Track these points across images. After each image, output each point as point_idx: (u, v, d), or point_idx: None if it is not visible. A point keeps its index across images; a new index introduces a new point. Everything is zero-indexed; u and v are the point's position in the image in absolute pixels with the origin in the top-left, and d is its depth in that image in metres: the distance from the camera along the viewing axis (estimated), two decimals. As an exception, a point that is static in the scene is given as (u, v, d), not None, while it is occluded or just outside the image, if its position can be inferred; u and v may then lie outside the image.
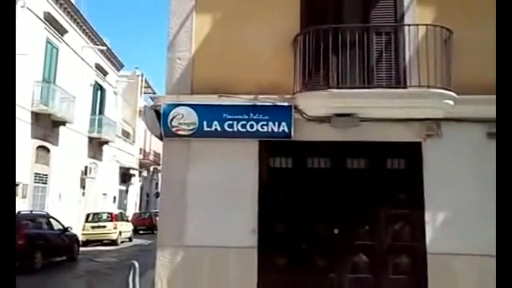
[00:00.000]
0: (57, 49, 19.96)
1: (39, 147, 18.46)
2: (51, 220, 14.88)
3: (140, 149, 34.13)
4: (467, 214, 6.76)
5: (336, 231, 6.99)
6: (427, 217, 6.89)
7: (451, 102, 6.63)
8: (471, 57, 6.89)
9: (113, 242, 20.65)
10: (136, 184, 33.34)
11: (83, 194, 23.12)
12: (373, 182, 7.13)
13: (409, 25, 6.96)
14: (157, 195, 35.73)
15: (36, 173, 18.32)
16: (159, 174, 32.36)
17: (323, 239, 7.03)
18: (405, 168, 7.19)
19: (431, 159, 6.99)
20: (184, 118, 6.96)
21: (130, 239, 22.95)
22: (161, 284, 6.86)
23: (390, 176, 7.15)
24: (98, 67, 25.04)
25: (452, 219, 6.81)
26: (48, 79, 18.99)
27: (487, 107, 6.22)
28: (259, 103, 6.91)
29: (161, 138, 7.33)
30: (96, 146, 24.65)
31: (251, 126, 6.93)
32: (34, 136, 17.94)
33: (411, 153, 7.08)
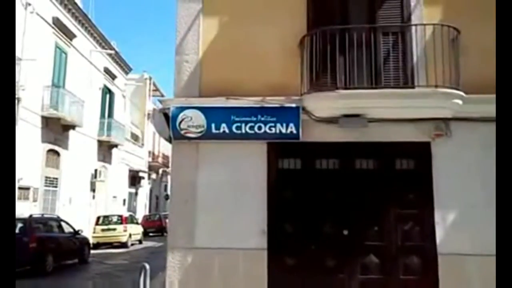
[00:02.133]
0: (66, 54, 20.16)
1: (49, 151, 18.66)
2: (62, 223, 15.05)
3: (149, 152, 34.28)
4: (477, 214, 6.72)
5: (345, 232, 6.99)
6: (437, 217, 6.85)
7: (459, 102, 6.60)
8: (479, 56, 6.85)
9: (123, 245, 20.80)
10: (145, 186, 33.50)
11: (93, 197, 23.28)
12: (382, 183, 7.11)
13: (416, 25, 6.96)
14: (166, 197, 35.87)
15: (47, 177, 18.53)
16: (168, 177, 32.50)
17: (332, 240, 7.02)
18: (414, 168, 7.15)
19: (440, 158, 6.96)
20: (193, 121, 7.00)
21: (140, 242, 23.10)
22: (172, 286, 6.90)
23: (399, 177, 7.13)
24: (107, 71, 25.24)
25: (462, 219, 6.78)
26: (58, 83, 19.19)
27: (496, 106, 6.18)
28: (266, 105, 6.93)
29: (170, 141, 7.38)
30: (106, 149, 24.83)
31: (259, 128, 6.94)
32: (44, 140, 18.13)
33: (420, 153, 7.04)
